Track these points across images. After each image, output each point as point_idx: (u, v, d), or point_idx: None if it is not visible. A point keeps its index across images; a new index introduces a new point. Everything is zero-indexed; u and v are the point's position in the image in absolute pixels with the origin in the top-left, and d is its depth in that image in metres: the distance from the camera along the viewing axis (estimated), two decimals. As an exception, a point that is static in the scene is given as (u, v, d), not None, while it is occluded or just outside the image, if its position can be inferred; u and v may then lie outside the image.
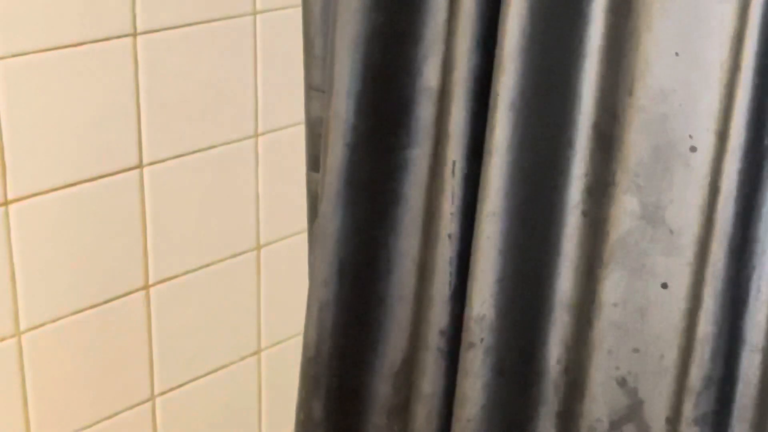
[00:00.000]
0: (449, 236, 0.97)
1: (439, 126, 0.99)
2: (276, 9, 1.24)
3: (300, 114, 1.20)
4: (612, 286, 0.89)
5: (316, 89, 1.10)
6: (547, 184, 0.93)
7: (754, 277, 0.84)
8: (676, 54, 0.88)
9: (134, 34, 1.13)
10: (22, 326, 1.12)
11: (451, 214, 0.96)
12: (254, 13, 1.23)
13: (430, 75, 1.02)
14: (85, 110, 1.10)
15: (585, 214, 0.92)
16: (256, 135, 1.26)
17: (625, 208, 0.88)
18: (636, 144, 0.88)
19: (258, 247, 1.29)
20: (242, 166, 1.26)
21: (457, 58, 0.95)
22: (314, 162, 1.14)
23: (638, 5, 0.88)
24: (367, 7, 0.99)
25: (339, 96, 1.02)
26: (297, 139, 1.27)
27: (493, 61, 0.93)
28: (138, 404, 1.25)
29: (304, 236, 1.22)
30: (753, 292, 0.84)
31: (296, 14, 1.16)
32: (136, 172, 1.17)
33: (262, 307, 1.34)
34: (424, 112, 1.03)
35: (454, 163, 0.96)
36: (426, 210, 1.02)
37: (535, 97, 0.91)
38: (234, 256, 1.27)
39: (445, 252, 0.97)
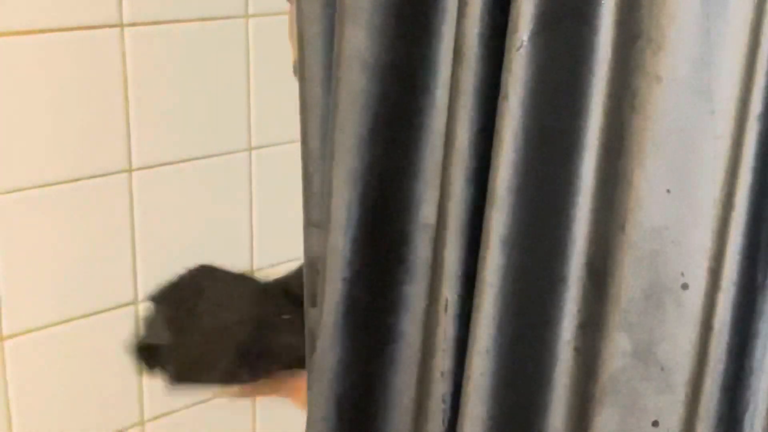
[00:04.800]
0: (442, 374, 0.96)
1: (434, 263, 0.99)
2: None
3: (296, 250, 1.21)
4: (603, 424, 0.87)
5: (315, 225, 1.11)
6: (539, 320, 0.92)
7: (748, 414, 0.82)
8: (668, 191, 0.88)
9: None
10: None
11: (444, 350, 0.95)
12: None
13: (428, 211, 1.03)
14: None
15: (577, 350, 0.91)
16: (251, 271, 1.27)
17: (617, 345, 0.87)
18: (628, 281, 0.88)
19: (253, 384, 1.28)
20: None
21: (450, 195, 0.95)
22: (313, 298, 1.13)
23: (631, 142, 0.89)
24: (363, 142, 1.00)
25: (336, 231, 1.02)
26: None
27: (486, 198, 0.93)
28: None
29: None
30: (746, 430, 0.82)
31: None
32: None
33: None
34: (422, 248, 1.03)
35: (446, 300, 0.95)
36: (423, 347, 1.02)
37: (527, 233, 0.91)
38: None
39: (439, 389, 0.96)
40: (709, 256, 0.85)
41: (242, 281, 1.18)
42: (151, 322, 1.16)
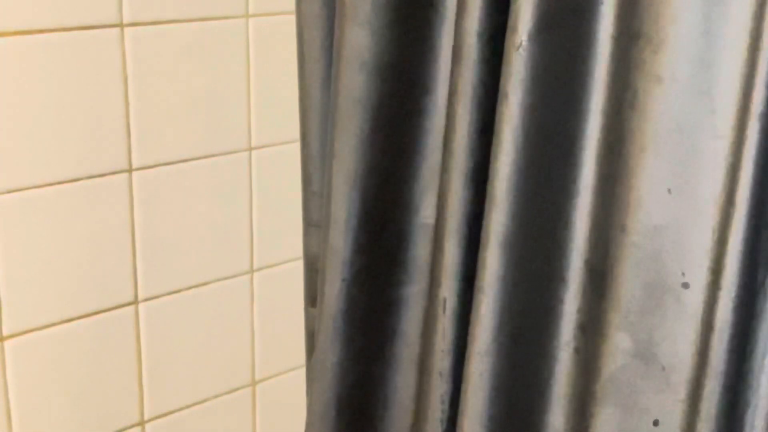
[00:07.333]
0: (440, 374, 0.96)
1: (433, 263, 0.99)
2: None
3: (296, 249, 1.21)
4: (603, 423, 0.87)
5: (315, 225, 1.11)
6: (538, 321, 0.92)
7: (748, 413, 0.82)
8: (669, 191, 0.88)
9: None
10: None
11: (443, 351, 0.95)
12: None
13: (427, 212, 1.03)
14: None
15: (577, 351, 0.91)
16: (251, 271, 1.26)
17: (618, 345, 0.87)
18: (628, 280, 0.87)
19: (253, 383, 1.28)
20: (238, 301, 1.26)
21: (449, 195, 0.95)
22: (312, 298, 1.13)
23: (631, 142, 0.89)
24: (364, 144, 1.00)
25: (336, 231, 1.02)
26: (293, 274, 1.27)
27: (485, 198, 0.93)
28: None
29: (301, 372, 1.21)
30: (747, 429, 0.82)
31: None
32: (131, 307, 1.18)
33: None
34: (421, 248, 1.03)
35: (445, 300, 0.95)
36: (421, 347, 1.02)
37: (527, 234, 0.91)
38: (229, 392, 1.26)
39: (438, 389, 0.96)
40: (710, 256, 0.85)
41: None
42: None
